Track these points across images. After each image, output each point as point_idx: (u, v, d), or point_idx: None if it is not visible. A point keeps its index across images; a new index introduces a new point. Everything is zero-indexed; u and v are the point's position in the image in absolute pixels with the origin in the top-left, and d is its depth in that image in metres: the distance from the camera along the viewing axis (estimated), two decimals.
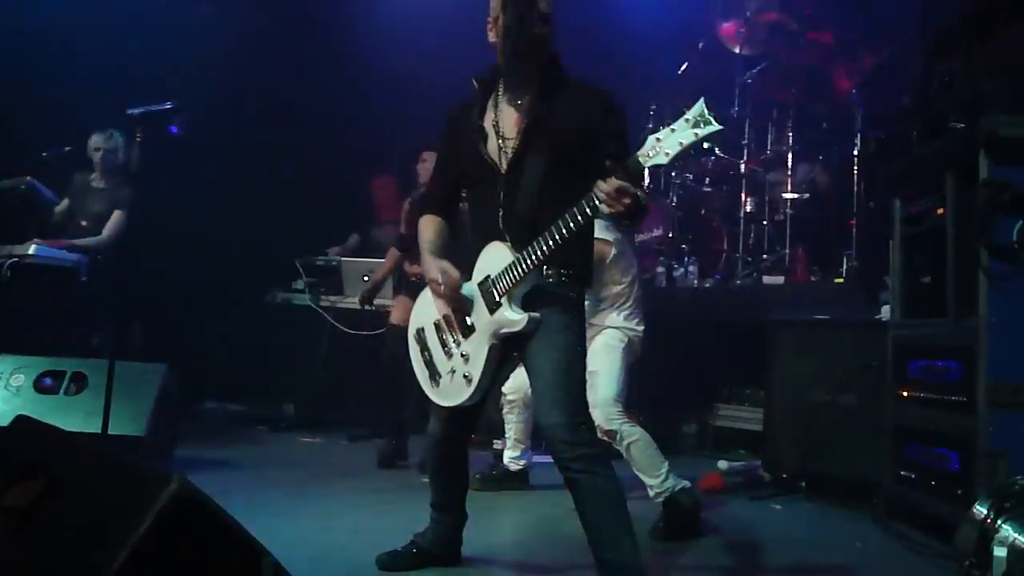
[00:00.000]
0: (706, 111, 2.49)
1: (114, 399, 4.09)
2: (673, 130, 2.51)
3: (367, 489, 4.69)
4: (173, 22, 7.16)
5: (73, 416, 4.51)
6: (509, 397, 4.69)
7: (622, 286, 4.32)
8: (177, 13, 7.19)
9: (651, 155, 2.53)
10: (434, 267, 3.04)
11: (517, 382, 4.54)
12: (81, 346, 5.55)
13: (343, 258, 6.45)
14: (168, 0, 7.14)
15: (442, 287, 3.00)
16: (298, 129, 7.53)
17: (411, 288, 5.29)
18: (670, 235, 6.96)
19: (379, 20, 7.76)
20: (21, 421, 2.37)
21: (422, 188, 6.37)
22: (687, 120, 2.50)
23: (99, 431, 4.03)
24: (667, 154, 2.51)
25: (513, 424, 4.79)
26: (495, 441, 5.44)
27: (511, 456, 4.85)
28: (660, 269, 6.90)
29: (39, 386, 4.89)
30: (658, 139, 2.52)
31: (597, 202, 2.59)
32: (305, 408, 6.58)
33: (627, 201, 2.56)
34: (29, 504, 1.94)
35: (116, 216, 5.87)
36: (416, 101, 6.87)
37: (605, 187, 2.55)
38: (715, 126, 2.48)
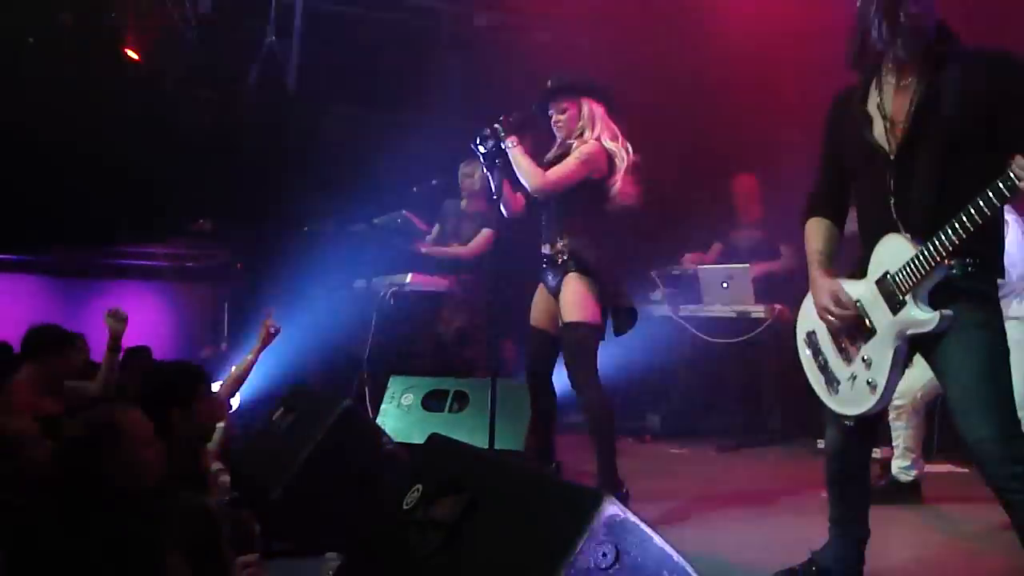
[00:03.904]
0: None
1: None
2: None
3: (749, 502, 4.53)
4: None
5: (458, 433, 4.68)
6: (896, 402, 4.31)
7: (1021, 268, 3.86)
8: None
9: None
10: (824, 292, 2.85)
11: (905, 385, 4.15)
12: (459, 364, 5.88)
13: (700, 266, 6.32)
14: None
15: (830, 316, 2.83)
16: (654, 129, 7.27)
17: None
18: None
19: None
20: (435, 439, 2.51)
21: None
22: None
23: (485, 447, 4.22)
24: None
25: (901, 432, 4.43)
26: (873, 450, 5.07)
27: (900, 467, 4.47)
28: None
29: (426, 404, 5.25)
30: None
31: (1016, 182, 2.29)
32: (670, 418, 6.55)
33: None
34: (456, 518, 2.03)
35: (483, 234, 5.98)
36: (771, 90, 6.48)
37: None
38: None
